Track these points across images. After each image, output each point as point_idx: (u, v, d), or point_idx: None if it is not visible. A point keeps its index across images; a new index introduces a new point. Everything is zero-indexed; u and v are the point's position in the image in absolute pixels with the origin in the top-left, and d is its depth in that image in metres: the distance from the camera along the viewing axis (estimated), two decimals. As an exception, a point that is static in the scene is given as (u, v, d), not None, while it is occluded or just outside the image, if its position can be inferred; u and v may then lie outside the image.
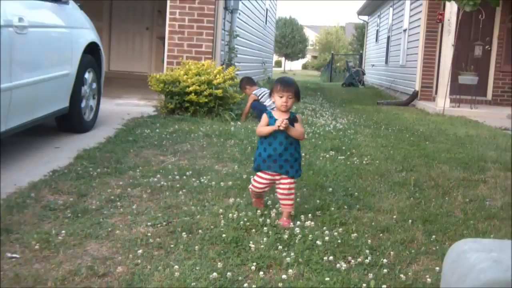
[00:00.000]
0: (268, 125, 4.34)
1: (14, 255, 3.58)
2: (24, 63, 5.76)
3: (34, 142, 6.80)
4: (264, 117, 4.40)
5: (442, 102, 13.96)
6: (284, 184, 4.40)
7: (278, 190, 4.45)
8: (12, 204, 4.47)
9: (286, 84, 4.33)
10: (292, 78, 4.50)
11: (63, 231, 4.00)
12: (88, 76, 7.61)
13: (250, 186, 4.61)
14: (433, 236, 4.33)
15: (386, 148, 7.99)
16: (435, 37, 16.14)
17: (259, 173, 4.44)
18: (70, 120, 7.33)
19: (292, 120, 4.30)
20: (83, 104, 7.45)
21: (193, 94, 9.44)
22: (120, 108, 10.10)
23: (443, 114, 13.48)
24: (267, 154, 4.33)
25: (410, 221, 4.65)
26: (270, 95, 4.44)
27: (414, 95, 16.36)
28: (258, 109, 9.68)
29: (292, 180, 4.41)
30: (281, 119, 4.23)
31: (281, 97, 4.29)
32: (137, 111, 9.79)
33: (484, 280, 1.29)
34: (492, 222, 4.74)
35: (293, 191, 4.45)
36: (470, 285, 1.32)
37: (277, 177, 4.40)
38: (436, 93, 15.37)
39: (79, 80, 7.24)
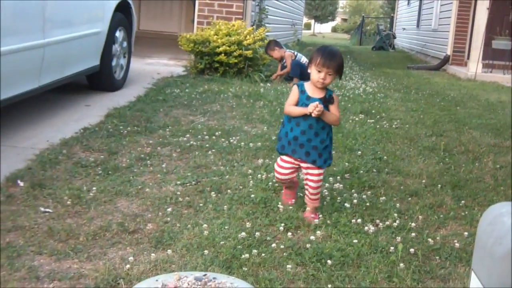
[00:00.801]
0: (298, 101, 3.66)
1: (47, 210, 3.65)
2: (56, 21, 5.77)
3: (65, 99, 6.86)
4: (295, 91, 3.70)
5: (474, 67, 13.73)
6: (312, 175, 3.75)
7: (305, 181, 3.82)
8: (45, 159, 4.53)
9: (329, 57, 3.57)
10: (337, 49, 3.69)
11: (94, 188, 4.06)
12: (119, 34, 7.62)
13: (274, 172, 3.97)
14: (462, 202, 4.30)
15: (416, 112, 7.91)
16: (469, 0, 15.80)
17: (282, 157, 3.80)
18: (101, 78, 7.37)
19: (328, 101, 3.64)
20: (113, 63, 7.48)
21: (223, 54, 9.41)
22: (150, 68, 10.12)
23: (474, 79, 13.28)
24: (293, 135, 3.67)
25: (439, 186, 4.62)
26: (309, 64, 3.72)
27: (446, 60, 16.12)
28: (297, 65, 9.74)
29: (320, 171, 3.75)
30: (314, 104, 3.52)
31: (319, 71, 3.57)
32: (167, 71, 9.79)
33: (521, 243, 1.29)
34: (523, 189, 4.70)
35: (321, 183, 3.82)
36: (507, 248, 1.31)
37: (304, 165, 3.76)
38: (468, 58, 15.12)
39: (110, 39, 7.25)
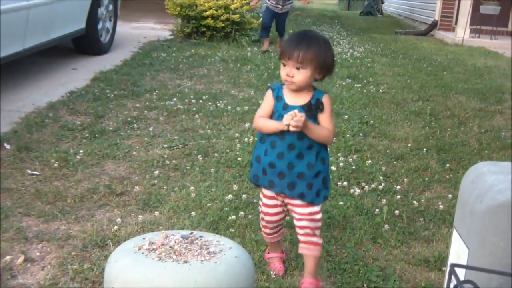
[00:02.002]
0: (273, 111, 2.57)
1: (34, 172, 3.65)
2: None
3: (51, 63, 6.81)
4: (268, 97, 2.59)
5: (461, 33, 13.72)
6: (302, 216, 2.57)
7: (295, 225, 2.64)
8: (31, 123, 4.52)
9: (294, 43, 2.51)
10: (313, 33, 2.62)
11: (81, 151, 4.06)
12: (105, -3, 7.53)
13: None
14: (447, 165, 4.35)
15: (403, 77, 7.93)
16: (458, -36, 15.71)
17: (263, 191, 2.67)
18: (87, 42, 7.31)
19: (313, 109, 2.52)
20: (99, 26, 7.40)
21: (210, 18, 9.34)
22: (137, 32, 10.03)
23: (462, 45, 13.28)
24: (268, 161, 2.55)
25: (424, 149, 4.67)
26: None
27: (433, 25, 16.08)
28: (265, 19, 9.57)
29: (314, 210, 2.58)
30: (291, 113, 2.39)
31: (284, 65, 2.52)
32: (154, 35, 9.72)
33: (501, 200, 1.32)
34: (507, 152, 4.75)
35: (317, 224, 2.61)
36: (487, 205, 1.34)
37: (289, 202, 2.61)
38: (456, 23, 15.08)
39: (96, 1, 7.17)
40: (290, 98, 2.53)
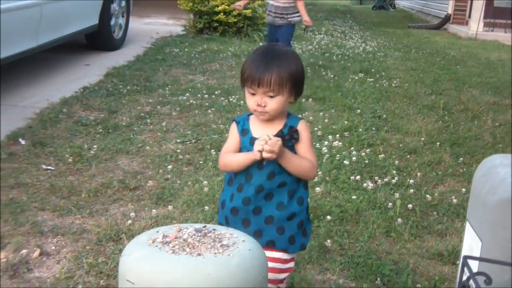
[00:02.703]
0: (240, 148, 2.16)
1: (49, 167, 3.68)
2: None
3: (64, 59, 6.84)
4: (232, 130, 2.19)
5: (475, 26, 13.64)
6: (269, 259, 1.87)
7: None
8: (45, 118, 4.55)
9: (262, 65, 2.05)
10: (280, 46, 2.19)
11: (95, 146, 4.09)
12: (117, -7, 7.56)
13: None
14: (461, 159, 4.33)
15: (416, 71, 7.90)
16: (471, -42, 15.60)
17: None
18: (100, 38, 7.34)
19: (288, 137, 2.09)
20: (112, 22, 7.44)
21: (222, 13, 9.35)
22: (149, 27, 10.06)
23: (475, 38, 13.20)
24: (232, 206, 2.15)
25: (438, 143, 4.65)
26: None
27: (446, 19, 15.99)
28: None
29: (284, 256, 2.15)
30: (263, 139, 1.99)
31: (252, 94, 2.08)
32: (166, 30, 9.74)
33: (514, 193, 1.32)
34: (521, 147, 4.73)
35: (285, 275, 2.19)
36: (500, 197, 1.34)
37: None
38: (469, 16, 14.99)
39: (108, -3, 7.20)
40: (258, 130, 2.11)
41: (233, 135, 2.17)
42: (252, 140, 2.07)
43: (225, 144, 2.20)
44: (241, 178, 2.12)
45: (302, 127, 2.13)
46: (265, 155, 1.97)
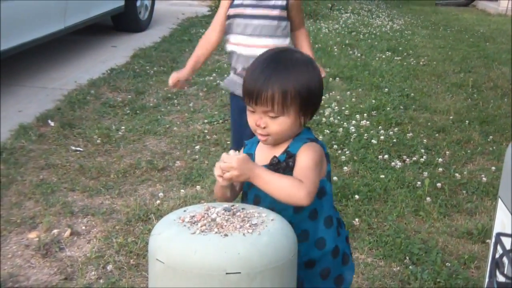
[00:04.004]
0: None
1: (78, 148, 3.72)
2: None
3: (91, 41, 6.88)
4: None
5: (505, 2, 13.39)
6: None
7: None
8: (73, 100, 4.59)
9: (260, 78, 1.66)
10: (289, 51, 1.81)
11: (123, 127, 4.11)
12: (143, -26, 7.56)
13: None
14: (490, 137, 4.28)
15: (444, 49, 7.79)
16: None
17: None
18: (126, 19, 7.35)
19: (283, 166, 1.68)
20: (138, 3, 7.44)
21: (247, -7, 9.29)
22: (175, 8, 10.05)
23: (505, 15, 12.96)
24: None
25: (466, 122, 4.59)
26: None
27: (476, -5, 15.73)
28: None
29: None
30: (222, 156, 1.62)
31: (252, 111, 1.70)
32: (192, 11, 9.72)
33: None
34: (552, 124, 4.65)
35: None
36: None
37: None
38: (499, -8, 14.72)
39: (134, -21, 7.21)
40: (261, 154, 1.74)
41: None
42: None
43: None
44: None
45: (301, 151, 1.67)
46: (226, 176, 1.58)
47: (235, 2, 2.61)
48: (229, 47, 2.73)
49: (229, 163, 1.57)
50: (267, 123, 1.66)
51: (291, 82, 1.64)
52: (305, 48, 2.69)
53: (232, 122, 2.87)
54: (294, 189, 1.58)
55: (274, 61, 1.70)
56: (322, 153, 1.70)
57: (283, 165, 1.66)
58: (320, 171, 1.67)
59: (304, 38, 2.76)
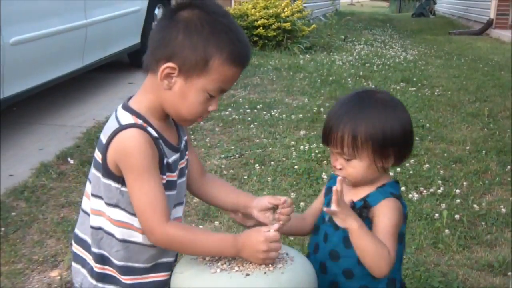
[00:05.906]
0: (318, 210, 1.82)
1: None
2: (97, 0, 5.86)
3: (109, 78, 6.98)
4: (322, 191, 1.86)
5: (518, 30, 13.42)
6: None
7: None
8: (92, 137, 4.64)
9: (336, 119, 1.66)
10: (372, 93, 1.74)
11: (141, 163, 4.15)
12: (158, 12, 7.68)
13: None
14: (508, 167, 4.27)
15: (459, 78, 7.81)
16: (512, -39, 15.38)
17: None
18: (142, 56, 7.45)
19: (358, 213, 1.61)
20: (154, 40, 7.55)
21: (261, 27, 9.41)
22: (189, 43, 10.18)
23: (519, 43, 12.98)
24: None
25: (483, 152, 4.59)
26: None
27: (489, 24, 15.76)
28: None
29: None
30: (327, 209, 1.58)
31: (331, 152, 1.71)
32: (206, 46, 9.84)
33: None
34: None
35: None
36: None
37: None
38: (512, 21, 14.75)
39: (150, 16, 7.32)
40: (344, 191, 1.56)
41: (319, 196, 1.83)
42: (328, 201, 1.62)
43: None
44: (310, 246, 1.80)
45: (382, 208, 1.60)
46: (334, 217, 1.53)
47: None
48: None
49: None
50: (343, 164, 1.64)
51: (365, 124, 1.59)
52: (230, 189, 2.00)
53: None
54: (377, 257, 1.53)
55: (352, 100, 1.65)
56: (402, 215, 1.64)
57: (356, 212, 1.58)
58: (397, 235, 1.61)
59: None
